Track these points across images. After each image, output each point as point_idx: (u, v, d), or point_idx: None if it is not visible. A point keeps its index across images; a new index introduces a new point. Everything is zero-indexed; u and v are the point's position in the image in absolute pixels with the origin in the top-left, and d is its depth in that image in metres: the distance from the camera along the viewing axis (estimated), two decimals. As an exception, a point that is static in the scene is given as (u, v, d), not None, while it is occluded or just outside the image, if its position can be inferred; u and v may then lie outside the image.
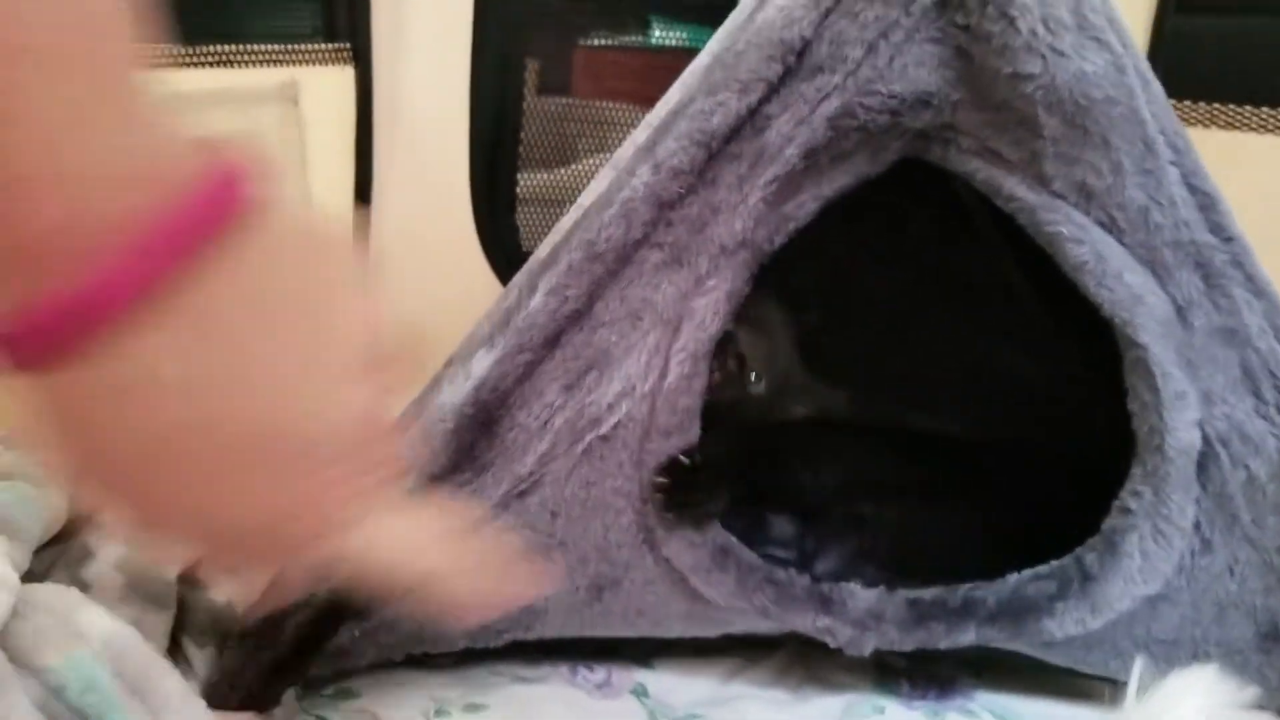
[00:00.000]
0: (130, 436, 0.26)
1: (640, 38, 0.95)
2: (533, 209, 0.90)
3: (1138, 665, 0.41)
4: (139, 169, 0.25)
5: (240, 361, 0.26)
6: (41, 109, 0.23)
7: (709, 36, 0.51)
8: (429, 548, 0.32)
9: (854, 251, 0.74)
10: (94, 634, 0.42)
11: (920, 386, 0.74)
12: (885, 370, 0.76)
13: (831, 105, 0.46)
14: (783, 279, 0.53)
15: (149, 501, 0.27)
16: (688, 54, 0.92)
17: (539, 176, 0.90)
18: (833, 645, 0.52)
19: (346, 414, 0.28)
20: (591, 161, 0.91)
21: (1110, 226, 0.48)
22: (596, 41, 0.93)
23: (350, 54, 0.79)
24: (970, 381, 0.74)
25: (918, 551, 0.66)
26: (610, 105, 0.91)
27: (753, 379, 0.69)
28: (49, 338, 0.24)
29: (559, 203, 0.90)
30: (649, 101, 0.93)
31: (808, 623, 0.51)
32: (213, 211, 0.26)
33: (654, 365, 0.47)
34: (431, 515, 0.32)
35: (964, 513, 0.68)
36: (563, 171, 0.90)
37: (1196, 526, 0.50)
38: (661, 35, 0.94)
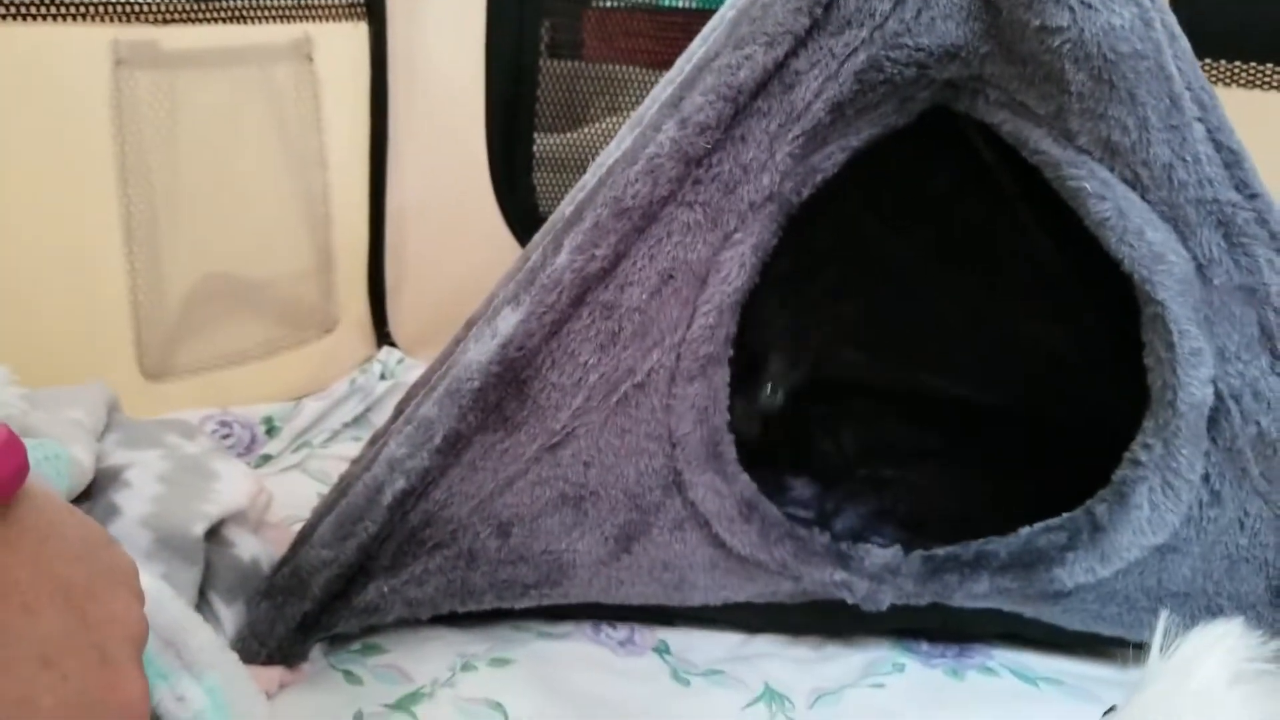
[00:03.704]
0: None
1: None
2: (548, 172, 0.90)
3: (1162, 619, 0.41)
4: None
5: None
6: None
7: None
8: None
9: (870, 211, 0.74)
10: (127, 588, 0.43)
11: (937, 350, 0.75)
12: (902, 333, 0.76)
13: (858, 60, 0.46)
14: (798, 239, 0.53)
15: None
16: (699, 15, 0.91)
17: (554, 139, 0.90)
18: (850, 600, 0.52)
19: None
20: (604, 125, 0.91)
21: (1134, 183, 0.48)
22: (607, 3, 0.92)
23: (364, 9, 0.77)
24: (986, 344, 0.74)
25: (935, 512, 0.67)
26: (622, 68, 0.90)
27: (768, 391, 0.73)
28: None
29: (574, 165, 0.90)
30: (660, 64, 0.92)
31: (825, 576, 0.52)
32: None
33: (682, 318, 0.48)
34: None
35: (981, 474, 0.68)
36: (576, 134, 0.90)
37: (1205, 479, 0.50)
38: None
